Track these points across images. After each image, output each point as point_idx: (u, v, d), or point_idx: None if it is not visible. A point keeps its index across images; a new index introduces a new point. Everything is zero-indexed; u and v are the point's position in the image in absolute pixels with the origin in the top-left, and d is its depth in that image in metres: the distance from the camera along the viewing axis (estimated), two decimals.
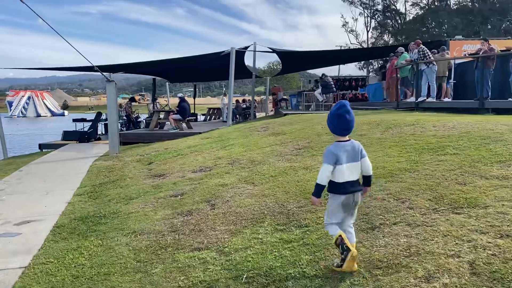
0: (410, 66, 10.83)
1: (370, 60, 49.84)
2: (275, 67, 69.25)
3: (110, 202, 5.31)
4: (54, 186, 6.70)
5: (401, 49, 11.77)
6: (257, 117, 20.54)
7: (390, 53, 13.44)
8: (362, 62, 51.77)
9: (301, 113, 11.73)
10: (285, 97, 21.30)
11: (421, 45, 10.26)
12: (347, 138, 2.44)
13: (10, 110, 69.04)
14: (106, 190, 6.08)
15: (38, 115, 70.32)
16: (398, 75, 11.44)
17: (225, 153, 7.02)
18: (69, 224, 4.54)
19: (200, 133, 12.30)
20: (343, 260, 2.36)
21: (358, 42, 52.18)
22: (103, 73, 11.48)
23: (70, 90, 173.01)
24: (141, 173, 6.93)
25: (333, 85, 13.39)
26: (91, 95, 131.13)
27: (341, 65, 23.01)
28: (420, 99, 10.07)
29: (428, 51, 10.09)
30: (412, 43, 10.83)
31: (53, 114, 73.08)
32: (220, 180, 5.19)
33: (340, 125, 2.41)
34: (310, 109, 14.21)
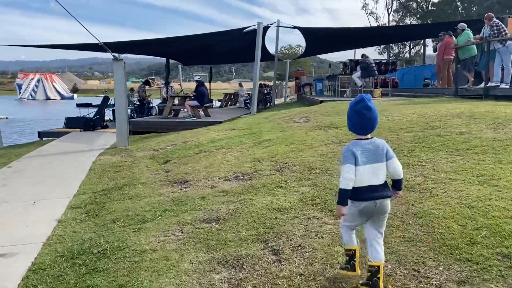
0: (479, 45, 8.96)
1: (391, 44, 47.47)
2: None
3: (114, 224, 3.77)
4: (45, 192, 5.23)
5: (462, 25, 9.84)
6: (275, 103, 18.86)
7: (441, 31, 11.54)
8: (382, 46, 49.49)
9: (342, 100, 9.99)
10: (308, 82, 19.47)
11: (494, 19, 8.37)
12: (369, 136, 2.06)
13: (20, 92, 68.10)
14: (110, 201, 4.54)
15: (48, 98, 69.29)
16: (458, 56, 9.58)
17: (264, 152, 5.39)
18: (51, 265, 3.02)
19: (220, 122, 10.71)
20: (348, 267, 2.13)
21: (378, 25, 49.82)
22: (110, 51, 9.90)
23: (80, 73, 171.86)
24: (156, 176, 5.37)
25: (375, 68, 11.58)
26: (101, 79, 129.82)
27: (357, 49, 21.24)
28: (491, 84, 8.26)
29: (503, 26, 8.22)
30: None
31: (63, 97, 71.97)
32: (272, 199, 3.57)
33: (359, 123, 2.04)
34: (345, 95, 12.43)
